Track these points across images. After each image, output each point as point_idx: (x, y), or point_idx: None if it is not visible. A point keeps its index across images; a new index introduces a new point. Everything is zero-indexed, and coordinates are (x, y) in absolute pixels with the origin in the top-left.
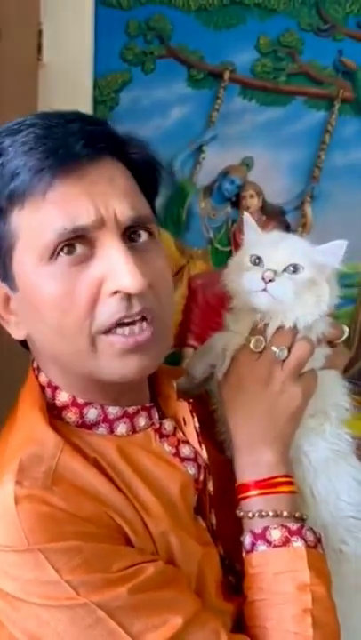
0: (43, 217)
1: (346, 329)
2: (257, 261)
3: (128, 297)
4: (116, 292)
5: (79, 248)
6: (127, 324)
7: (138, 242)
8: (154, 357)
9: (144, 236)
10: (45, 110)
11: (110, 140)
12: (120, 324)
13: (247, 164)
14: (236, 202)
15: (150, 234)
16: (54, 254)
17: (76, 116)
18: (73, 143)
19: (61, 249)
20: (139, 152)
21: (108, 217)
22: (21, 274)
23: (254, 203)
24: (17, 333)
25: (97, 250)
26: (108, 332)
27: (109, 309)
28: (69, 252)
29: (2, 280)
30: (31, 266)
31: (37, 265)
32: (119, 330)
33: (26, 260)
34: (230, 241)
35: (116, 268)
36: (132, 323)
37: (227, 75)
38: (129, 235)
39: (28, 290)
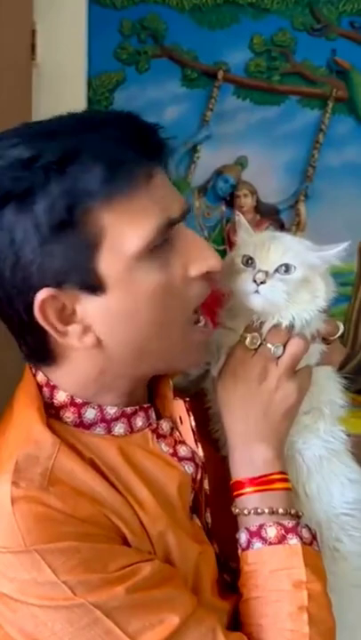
0: (137, 213)
1: (341, 325)
2: (249, 262)
3: (207, 277)
4: (202, 274)
5: (165, 238)
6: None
7: None
8: None
9: None
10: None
11: None
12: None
13: (241, 163)
14: (231, 201)
15: None
16: (154, 246)
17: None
18: (159, 137)
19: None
20: None
21: (185, 208)
22: (113, 271)
23: (248, 202)
24: (81, 342)
25: (173, 239)
26: (192, 323)
27: (199, 291)
28: (163, 243)
29: (79, 288)
30: (127, 261)
31: (135, 259)
32: (199, 323)
33: (120, 256)
34: (225, 240)
35: (200, 251)
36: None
37: (221, 74)
38: None
39: (125, 287)
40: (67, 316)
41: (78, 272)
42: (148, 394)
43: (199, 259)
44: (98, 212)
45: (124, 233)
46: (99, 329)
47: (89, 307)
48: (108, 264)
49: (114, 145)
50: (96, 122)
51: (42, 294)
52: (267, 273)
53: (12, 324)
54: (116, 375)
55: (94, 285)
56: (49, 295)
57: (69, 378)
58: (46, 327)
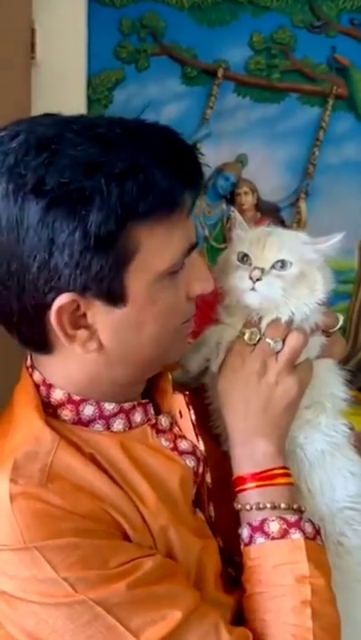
0: (171, 236)
1: (340, 317)
2: (245, 259)
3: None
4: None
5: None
6: None
7: None
8: None
9: None
10: (144, 120)
11: None
12: None
13: (241, 161)
14: (231, 199)
15: None
16: (178, 268)
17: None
18: (194, 160)
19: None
20: None
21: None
22: (138, 287)
23: (249, 200)
24: (85, 347)
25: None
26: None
27: (192, 307)
28: (182, 265)
29: (97, 297)
30: (152, 279)
31: (159, 278)
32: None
33: (147, 274)
34: (226, 238)
35: (202, 273)
36: None
37: (220, 72)
38: None
39: (144, 301)
40: (77, 321)
41: (105, 283)
42: (147, 389)
43: (200, 281)
44: (139, 230)
45: (155, 253)
46: (104, 336)
47: (101, 315)
48: (135, 280)
49: (168, 171)
50: (150, 140)
51: (64, 298)
52: (263, 270)
53: (8, 314)
54: (109, 375)
55: (116, 297)
56: (70, 300)
57: (62, 371)
58: (57, 329)
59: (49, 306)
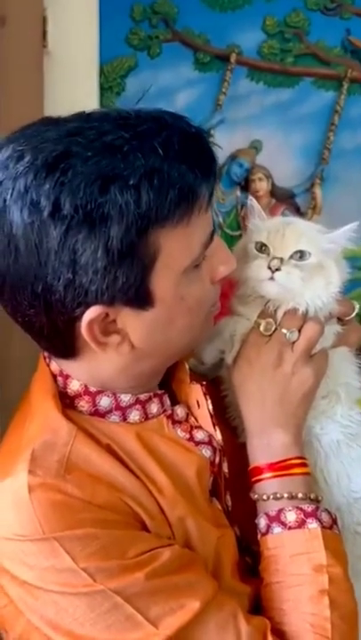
0: (192, 232)
1: (356, 305)
2: (263, 249)
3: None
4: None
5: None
6: None
7: None
8: None
9: None
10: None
11: None
12: None
13: (256, 147)
14: (246, 185)
15: None
16: (200, 260)
17: (186, 118)
18: (207, 148)
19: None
20: None
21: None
22: (164, 288)
23: (263, 186)
24: (118, 351)
25: None
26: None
27: (218, 290)
28: (203, 256)
29: (125, 304)
30: (177, 277)
31: (184, 274)
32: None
33: (170, 274)
34: (240, 225)
35: (223, 254)
36: None
37: (233, 57)
38: None
39: (173, 300)
40: (108, 328)
41: (132, 291)
42: (163, 379)
43: (223, 263)
44: (159, 233)
45: (176, 252)
46: (136, 337)
47: (130, 319)
48: (160, 282)
49: (182, 167)
50: (159, 138)
51: (93, 312)
52: (281, 260)
53: (38, 329)
54: (137, 370)
55: (144, 301)
56: (99, 312)
57: (85, 368)
58: (89, 340)
59: (78, 318)
